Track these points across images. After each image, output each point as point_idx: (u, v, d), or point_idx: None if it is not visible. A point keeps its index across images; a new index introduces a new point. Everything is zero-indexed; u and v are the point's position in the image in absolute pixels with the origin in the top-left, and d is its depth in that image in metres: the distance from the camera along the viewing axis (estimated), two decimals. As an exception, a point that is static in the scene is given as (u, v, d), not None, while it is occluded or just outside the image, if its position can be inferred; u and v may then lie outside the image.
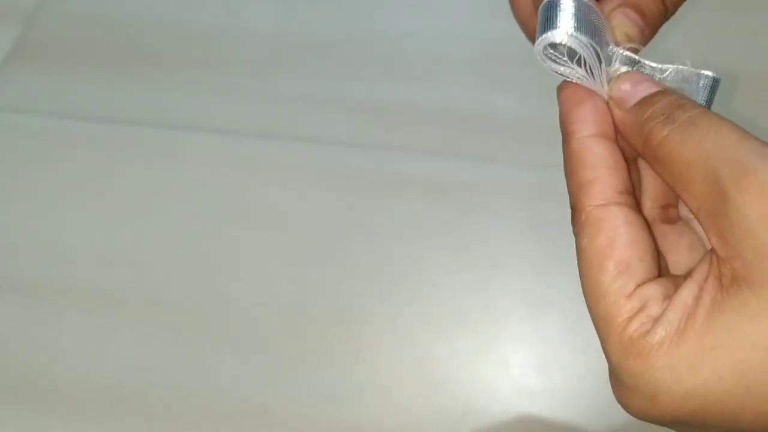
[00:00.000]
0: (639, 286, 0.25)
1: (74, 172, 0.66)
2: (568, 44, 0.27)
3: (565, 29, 0.27)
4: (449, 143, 0.66)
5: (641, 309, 0.25)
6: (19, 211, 0.64)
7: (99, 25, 0.76)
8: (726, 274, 0.24)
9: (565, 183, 0.28)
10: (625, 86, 0.28)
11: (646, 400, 0.25)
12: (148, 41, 0.75)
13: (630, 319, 0.25)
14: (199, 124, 0.68)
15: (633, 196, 0.27)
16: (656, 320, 0.25)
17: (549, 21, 0.27)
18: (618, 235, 0.26)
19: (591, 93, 0.28)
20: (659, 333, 0.24)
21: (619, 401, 0.26)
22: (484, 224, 0.62)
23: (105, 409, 0.54)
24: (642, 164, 0.30)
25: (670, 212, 0.30)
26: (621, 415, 0.55)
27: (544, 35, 0.27)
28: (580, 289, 0.31)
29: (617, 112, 0.28)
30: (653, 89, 0.27)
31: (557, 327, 0.57)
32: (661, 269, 0.27)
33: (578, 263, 0.27)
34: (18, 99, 0.71)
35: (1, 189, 0.65)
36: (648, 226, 0.27)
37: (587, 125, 0.28)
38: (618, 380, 0.26)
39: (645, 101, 0.27)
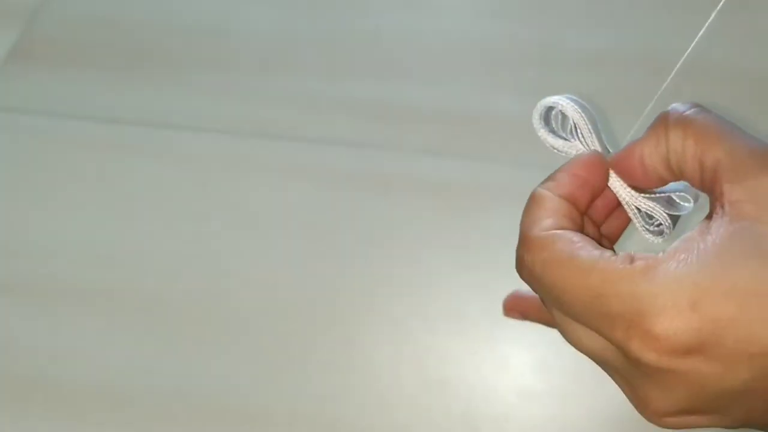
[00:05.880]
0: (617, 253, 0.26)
1: (74, 172, 0.66)
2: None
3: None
4: (449, 143, 0.66)
5: (633, 255, 0.26)
6: (18, 211, 0.64)
7: (99, 25, 0.76)
8: (732, 213, 0.25)
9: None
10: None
11: (686, 307, 0.24)
12: (148, 41, 0.75)
13: (633, 257, 0.25)
14: (199, 124, 0.68)
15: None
16: (661, 253, 0.25)
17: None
18: (577, 239, 0.27)
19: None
20: (674, 246, 0.25)
21: (651, 335, 0.24)
22: (484, 224, 0.61)
23: (105, 409, 0.54)
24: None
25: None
26: (621, 415, 0.55)
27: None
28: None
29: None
30: None
31: (557, 327, 0.57)
32: None
33: (546, 279, 0.27)
34: (18, 99, 0.71)
35: (1, 189, 0.65)
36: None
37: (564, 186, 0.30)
38: (646, 312, 0.24)
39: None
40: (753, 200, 0.25)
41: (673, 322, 0.24)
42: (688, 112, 0.28)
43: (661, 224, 0.30)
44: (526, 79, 0.70)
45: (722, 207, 0.25)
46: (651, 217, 0.31)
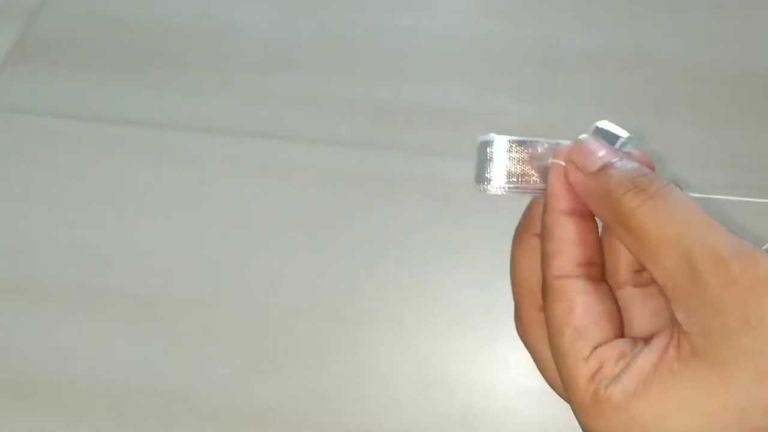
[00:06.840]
0: (595, 348, 0.27)
1: (74, 172, 0.66)
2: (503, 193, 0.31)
3: (497, 183, 0.31)
4: (449, 143, 0.66)
5: (598, 370, 0.27)
6: (19, 211, 0.64)
7: (99, 25, 0.76)
8: (685, 347, 0.25)
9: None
10: (586, 150, 0.29)
11: None
12: (148, 41, 0.75)
13: (591, 379, 0.27)
14: (199, 124, 0.68)
15: (595, 266, 0.29)
16: (612, 381, 0.26)
17: (482, 168, 0.31)
18: (575, 304, 0.28)
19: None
20: (616, 396, 0.26)
21: None
22: (485, 224, 0.61)
23: (105, 409, 0.54)
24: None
25: (642, 276, 0.31)
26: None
27: (481, 186, 0.31)
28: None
29: (578, 176, 0.29)
30: (613, 155, 0.29)
31: (557, 327, 0.57)
32: (624, 330, 0.29)
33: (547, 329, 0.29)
34: (18, 99, 0.71)
35: (2, 189, 0.65)
36: (610, 291, 0.29)
37: (561, 200, 0.30)
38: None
39: (608, 166, 0.29)
40: (704, 336, 0.25)
41: None
42: (634, 204, 0.27)
43: None
44: (526, 79, 0.70)
45: (678, 333, 0.26)
46: None
